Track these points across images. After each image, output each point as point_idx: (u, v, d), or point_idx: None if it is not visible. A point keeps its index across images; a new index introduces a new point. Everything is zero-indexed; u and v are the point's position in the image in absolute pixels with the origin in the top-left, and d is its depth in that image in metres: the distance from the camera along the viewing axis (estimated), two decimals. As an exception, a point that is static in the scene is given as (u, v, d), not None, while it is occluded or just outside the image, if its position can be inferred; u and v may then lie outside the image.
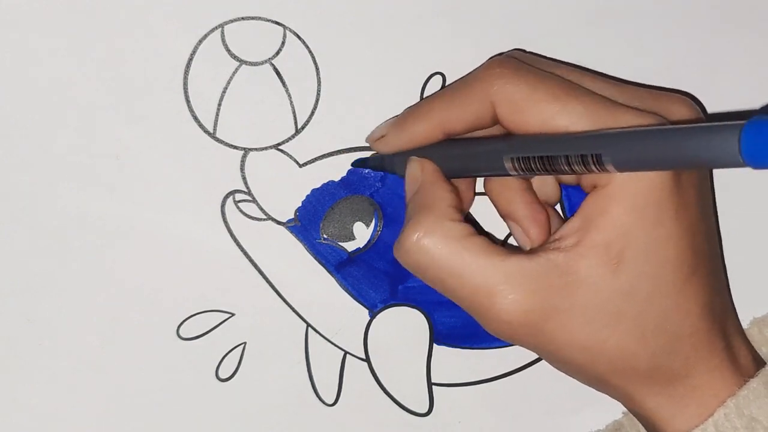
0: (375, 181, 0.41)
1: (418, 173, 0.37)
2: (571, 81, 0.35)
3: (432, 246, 0.34)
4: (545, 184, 0.39)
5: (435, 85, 0.41)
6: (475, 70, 0.37)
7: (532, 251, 0.35)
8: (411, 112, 0.38)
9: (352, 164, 0.40)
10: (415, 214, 0.35)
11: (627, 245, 0.33)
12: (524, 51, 0.40)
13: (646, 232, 0.33)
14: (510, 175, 0.35)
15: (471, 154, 0.37)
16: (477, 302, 0.34)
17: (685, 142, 0.29)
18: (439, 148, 0.37)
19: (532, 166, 0.34)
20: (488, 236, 0.37)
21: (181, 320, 0.40)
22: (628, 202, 0.33)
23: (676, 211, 0.33)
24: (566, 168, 0.33)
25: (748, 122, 0.27)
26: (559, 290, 0.33)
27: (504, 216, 0.38)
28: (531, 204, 0.38)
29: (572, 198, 0.43)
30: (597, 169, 0.32)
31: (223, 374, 0.41)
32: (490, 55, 0.40)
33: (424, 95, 0.40)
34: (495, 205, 0.39)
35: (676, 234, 0.33)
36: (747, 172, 0.43)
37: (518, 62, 0.36)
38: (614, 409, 0.42)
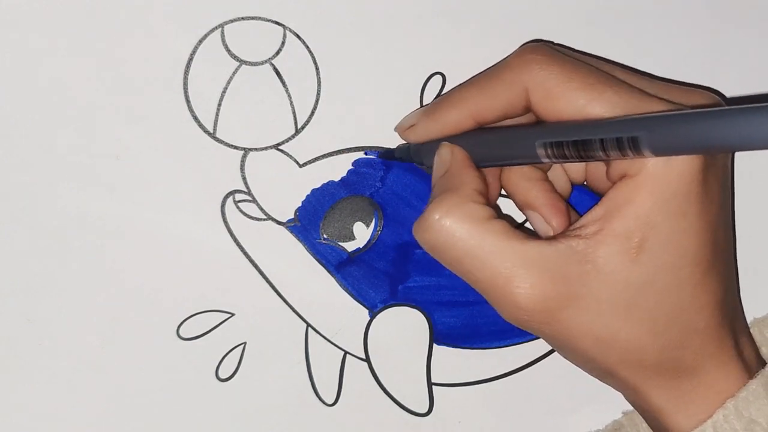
0: (375, 181, 0.41)
1: (448, 157, 0.36)
2: (604, 71, 0.35)
3: (452, 225, 0.34)
4: (557, 180, 0.39)
5: (435, 85, 0.41)
6: (506, 57, 0.36)
7: (553, 238, 0.34)
8: (442, 100, 0.37)
9: (380, 155, 0.40)
10: (440, 195, 0.35)
11: (649, 235, 0.33)
12: (551, 42, 0.40)
13: (670, 223, 0.33)
14: (542, 163, 0.35)
15: (502, 140, 0.36)
16: (495, 285, 0.34)
17: (723, 123, 0.29)
18: (469, 137, 0.37)
19: (566, 152, 0.33)
20: (510, 220, 0.36)
21: (181, 320, 0.40)
22: (654, 192, 0.33)
23: (702, 204, 0.33)
24: (601, 153, 0.32)
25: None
26: (577, 278, 0.33)
27: (523, 206, 0.38)
28: (550, 192, 0.38)
29: (572, 198, 0.43)
30: (632, 153, 0.31)
31: (223, 374, 0.41)
32: (490, 55, 0.40)
33: (424, 95, 0.40)
34: (513, 197, 0.38)
35: (699, 227, 0.33)
36: (746, 174, 0.43)
37: (551, 49, 0.35)
38: (614, 409, 0.42)
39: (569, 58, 0.35)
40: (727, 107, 0.30)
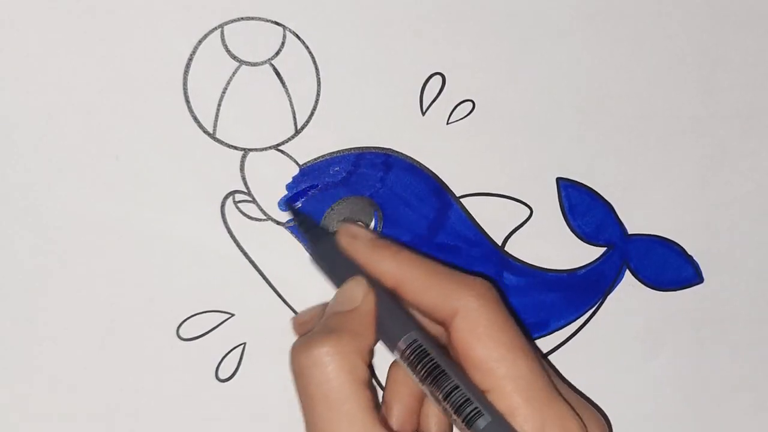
0: (375, 182, 0.41)
1: (359, 297, 0.36)
2: (533, 352, 0.35)
3: (334, 369, 0.33)
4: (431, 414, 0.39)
5: (435, 84, 0.41)
6: (467, 273, 0.36)
7: None
8: (392, 247, 0.37)
9: (285, 204, 0.40)
10: (339, 332, 0.34)
11: None
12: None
13: None
14: (393, 354, 0.35)
15: (393, 313, 0.36)
16: None
17: None
18: (377, 288, 0.36)
19: (419, 367, 0.34)
20: (374, 397, 0.36)
21: (181, 320, 0.40)
22: None
23: None
24: (441, 395, 0.33)
25: None
26: None
27: (386, 395, 0.38)
28: (410, 405, 0.38)
29: (572, 198, 0.43)
30: (463, 423, 0.33)
31: (222, 374, 0.41)
32: (490, 56, 0.41)
33: (424, 95, 0.40)
34: (387, 379, 0.38)
35: None
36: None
37: (500, 298, 0.35)
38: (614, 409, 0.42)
39: (509, 317, 0.35)
40: None
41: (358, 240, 0.37)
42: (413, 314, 0.37)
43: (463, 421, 0.33)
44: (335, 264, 0.38)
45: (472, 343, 0.34)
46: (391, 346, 0.35)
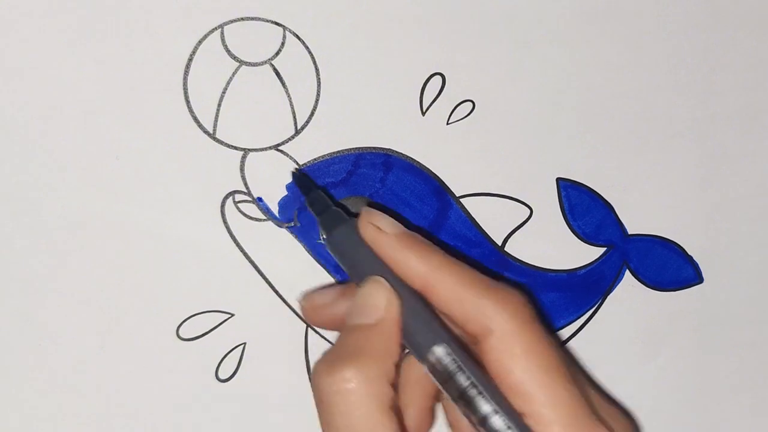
0: (375, 182, 0.41)
1: (381, 306, 0.33)
2: (571, 367, 0.33)
3: (359, 399, 0.31)
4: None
5: (435, 85, 0.41)
6: (502, 285, 0.33)
7: None
8: (422, 245, 0.34)
9: (294, 174, 0.39)
10: (363, 355, 0.32)
11: None
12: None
13: None
14: (423, 368, 0.33)
15: (418, 316, 0.33)
16: None
17: None
18: (404, 289, 0.34)
19: (452, 382, 0.32)
20: (400, 417, 0.34)
21: (181, 321, 0.40)
22: None
23: None
24: (477, 419, 0.31)
25: None
26: None
27: (400, 396, 0.36)
28: (426, 404, 0.36)
29: (572, 198, 0.43)
30: None
31: (222, 375, 0.41)
32: (490, 56, 0.40)
33: (424, 96, 0.40)
34: (405, 365, 0.36)
35: None
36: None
37: (535, 315, 0.33)
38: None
39: (546, 335, 0.33)
40: None
41: (383, 232, 0.34)
42: (445, 321, 0.34)
43: None
44: (354, 254, 0.35)
45: (509, 366, 0.32)
46: (418, 355, 0.33)
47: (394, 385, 0.32)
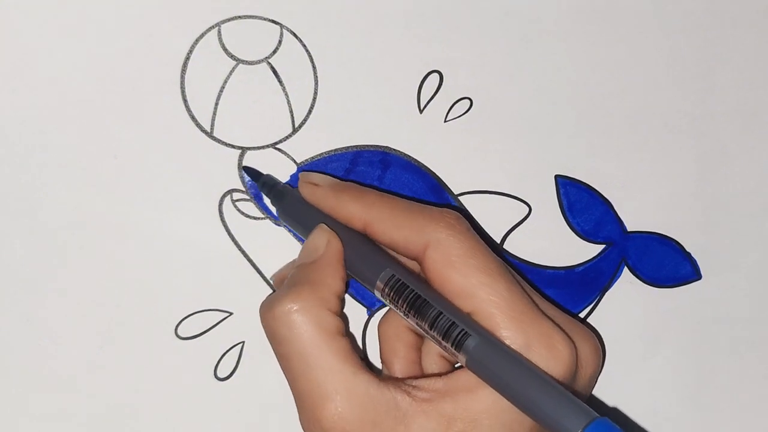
0: (373, 180, 0.41)
1: (322, 245, 0.36)
2: (512, 271, 0.35)
3: (300, 325, 0.33)
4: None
5: (432, 82, 0.41)
6: (435, 205, 0.36)
7: (385, 380, 0.34)
8: (356, 189, 0.37)
9: (243, 168, 0.39)
10: (300, 285, 0.34)
11: (470, 430, 0.33)
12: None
13: (494, 429, 0.33)
14: (374, 294, 0.35)
15: (366, 253, 0.36)
16: (309, 396, 0.33)
17: (538, 396, 0.31)
18: (347, 232, 0.36)
19: (401, 300, 0.34)
20: (352, 342, 0.36)
21: (180, 319, 0.40)
22: (495, 397, 0.33)
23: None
24: (427, 324, 0.33)
25: (594, 421, 0.30)
26: (386, 430, 0.33)
27: (383, 355, 0.38)
28: (410, 355, 0.37)
29: (571, 196, 0.43)
30: (452, 348, 0.33)
31: (221, 373, 0.41)
32: (488, 54, 0.40)
33: (421, 94, 0.40)
34: (379, 338, 0.38)
35: None
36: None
37: (468, 226, 0.35)
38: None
39: (481, 243, 0.35)
40: (555, 388, 0.31)
41: (319, 187, 0.37)
42: (388, 252, 0.36)
43: (452, 346, 0.33)
44: (302, 217, 0.37)
45: (446, 272, 0.34)
46: (371, 287, 0.35)
47: (340, 316, 0.35)
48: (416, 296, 0.34)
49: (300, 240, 0.40)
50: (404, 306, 0.34)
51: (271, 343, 0.35)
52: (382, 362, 0.38)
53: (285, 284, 0.35)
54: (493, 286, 0.33)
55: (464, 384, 0.33)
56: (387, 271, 0.35)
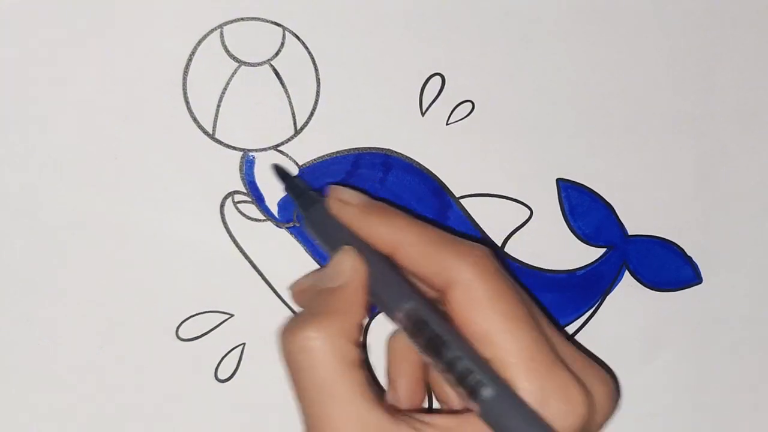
0: (374, 183, 0.41)
1: (348, 270, 0.35)
2: (536, 314, 0.35)
3: (320, 354, 0.33)
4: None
5: (434, 85, 0.41)
6: (467, 240, 0.35)
7: (398, 416, 0.33)
8: (390, 212, 0.36)
9: (274, 167, 0.39)
10: (323, 314, 0.33)
11: None
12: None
13: None
14: (394, 324, 0.34)
15: (389, 281, 0.35)
16: (321, 428, 0.33)
17: None
18: (372, 255, 0.35)
19: (419, 337, 0.33)
20: (369, 372, 0.35)
21: (181, 321, 0.40)
22: None
23: None
24: (445, 365, 0.33)
25: None
26: None
27: (389, 371, 0.38)
28: (415, 375, 0.37)
29: (572, 199, 0.43)
30: (467, 395, 0.32)
31: (222, 375, 0.41)
32: (490, 56, 0.40)
33: (423, 96, 0.40)
34: (387, 355, 0.38)
35: None
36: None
37: (498, 266, 0.35)
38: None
39: (508, 284, 0.34)
40: None
41: (349, 204, 0.36)
42: (413, 281, 0.35)
43: (467, 393, 0.32)
44: (327, 231, 0.37)
45: (470, 315, 0.33)
46: (391, 316, 0.34)
47: (360, 346, 0.34)
48: (435, 335, 0.33)
49: (303, 243, 0.40)
50: (422, 342, 0.33)
51: (287, 369, 0.34)
52: (388, 378, 0.38)
53: (307, 310, 0.35)
54: (515, 334, 0.33)
55: (476, 428, 0.33)
56: (410, 303, 0.34)
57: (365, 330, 0.41)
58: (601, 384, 0.35)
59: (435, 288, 0.34)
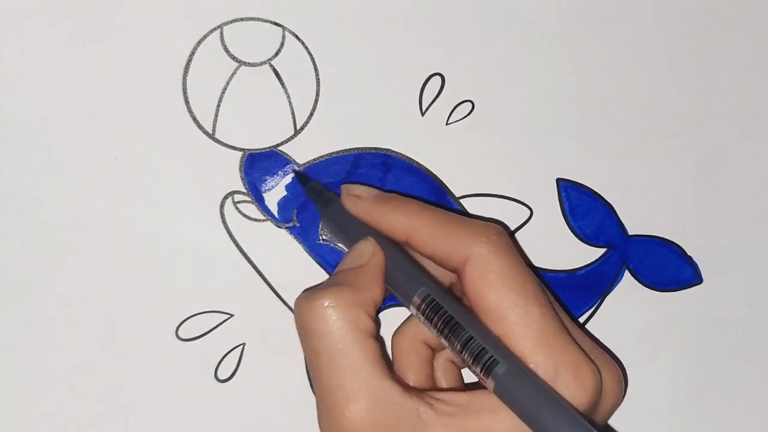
0: (374, 182, 0.41)
1: (368, 254, 0.36)
2: (547, 292, 0.35)
3: (335, 321, 0.33)
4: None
5: (434, 85, 0.41)
6: (479, 220, 0.36)
7: (409, 389, 0.34)
8: (399, 200, 0.37)
9: (295, 173, 0.40)
10: (341, 285, 0.34)
11: None
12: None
13: None
14: (409, 309, 0.35)
15: (405, 268, 0.36)
16: (333, 395, 0.33)
17: (561, 429, 0.31)
18: (389, 247, 0.37)
19: (436, 319, 0.34)
20: (383, 347, 0.36)
21: (180, 321, 0.40)
22: (515, 429, 0.33)
23: None
24: (459, 345, 0.34)
25: None
26: None
27: (396, 367, 0.38)
28: (423, 362, 0.38)
29: (572, 199, 0.43)
30: (481, 372, 0.33)
31: (222, 375, 0.41)
32: (490, 56, 0.40)
33: (423, 96, 0.40)
34: (393, 351, 0.38)
35: None
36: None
37: (511, 244, 0.35)
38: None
39: (521, 262, 0.35)
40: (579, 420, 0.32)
41: (362, 198, 0.37)
42: (426, 269, 0.36)
43: (481, 371, 0.33)
44: (345, 226, 0.38)
45: (483, 289, 0.34)
46: (407, 302, 0.35)
47: (374, 320, 0.35)
48: (449, 317, 0.34)
49: (303, 243, 0.40)
50: (438, 325, 0.34)
51: (300, 335, 0.34)
52: (396, 374, 0.38)
53: (325, 283, 0.36)
54: (527, 309, 0.33)
55: (487, 403, 0.33)
56: (423, 289, 0.35)
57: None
58: (610, 369, 0.35)
59: (450, 267, 0.35)
